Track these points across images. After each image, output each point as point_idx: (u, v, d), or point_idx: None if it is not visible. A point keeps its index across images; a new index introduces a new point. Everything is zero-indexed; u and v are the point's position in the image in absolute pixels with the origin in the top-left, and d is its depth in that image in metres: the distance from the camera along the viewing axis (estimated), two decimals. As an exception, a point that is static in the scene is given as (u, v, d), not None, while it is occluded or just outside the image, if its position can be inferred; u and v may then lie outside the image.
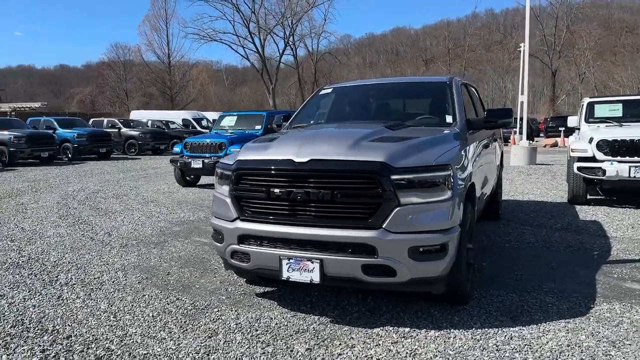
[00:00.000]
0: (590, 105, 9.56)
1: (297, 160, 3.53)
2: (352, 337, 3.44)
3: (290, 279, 3.59)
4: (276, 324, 3.70)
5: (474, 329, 3.53)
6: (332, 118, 5.27)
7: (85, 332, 3.61)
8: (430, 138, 3.96)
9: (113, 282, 4.73)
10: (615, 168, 7.78)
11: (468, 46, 67.78)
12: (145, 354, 3.27)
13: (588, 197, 8.65)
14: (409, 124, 4.51)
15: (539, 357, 3.12)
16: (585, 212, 7.84)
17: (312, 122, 5.10)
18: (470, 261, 4.17)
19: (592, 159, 8.11)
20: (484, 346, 3.27)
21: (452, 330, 3.52)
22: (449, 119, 4.59)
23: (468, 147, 4.35)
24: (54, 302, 4.21)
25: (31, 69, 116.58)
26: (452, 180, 3.53)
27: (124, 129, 24.80)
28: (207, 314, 3.90)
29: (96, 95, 62.25)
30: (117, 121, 25.46)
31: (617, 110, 9.25)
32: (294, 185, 3.51)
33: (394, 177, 3.36)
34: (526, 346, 3.26)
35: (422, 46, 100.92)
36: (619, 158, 7.87)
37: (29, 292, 4.48)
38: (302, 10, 53.70)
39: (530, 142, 28.38)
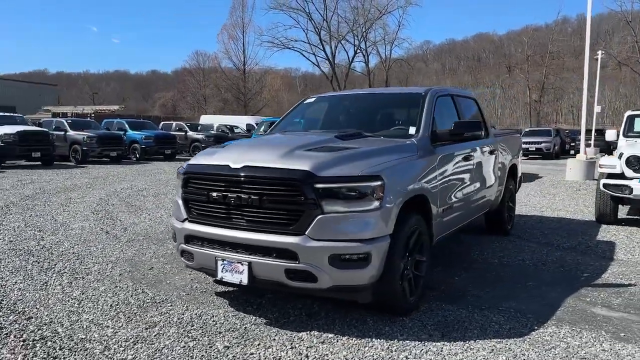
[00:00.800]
0: (631, 118, 8.97)
1: (233, 166, 3.72)
2: (275, 339, 3.57)
3: (223, 280, 3.78)
4: (214, 321, 3.89)
5: (396, 340, 3.54)
6: (310, 126, 5.41)
7: (46, 315, 4.00)
8: (372, 149, 4.01)
9: (98, 272, 5.15)
10: (643, 186, 7.26)
11: (549, 53, 64.30)
12: (82, 338, 3.58)
13: (625, 215, 8.11)
14: (367, 134, 4.55)
15: (442, 373, 3.10)
16: (607, 232, 7.37)
17: (288, 129, 5.26)
18: (421, 273, 4.16)
19: (621, 175, 7.62)
20: (394, 358, 3.28)
21: (373, 339, 3.54)
22: (412, 130, 4.58)
23: (427, 159, 4.33)
24: (38, 288, 4.67)
25: (126, 74, 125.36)
26: (381, 191, 3.56)
27: (190, 133, 26.14)
28: (159, 308, 4.18)
29: (177, 100, 65.84)
30: (184, 125, 26.91)
31: (660, 125, 8.61)
32: (229, 190, 3.70)
33: (317, 185, 3.46)
34: (434, 361, 3.24)
35: (507, 52, 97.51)
36: (649, 176, 7.34)
37: (23, 277, 4.98)
38: (373, 18, 53.78)
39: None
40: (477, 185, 5.56)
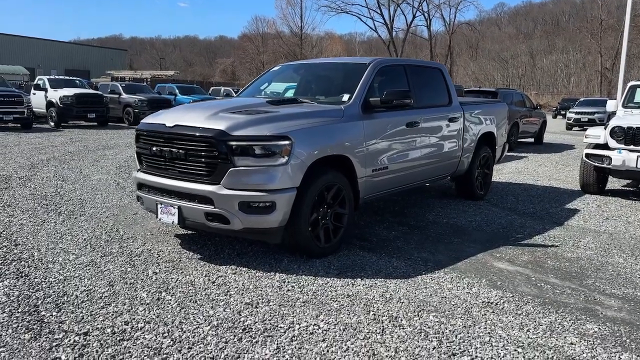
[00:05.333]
0: (632, 89, 8.85)
1: (167, 125, 4.42)
2: (197, 269, 4.30)
3: (161, 220, 4.54)
4: (158, 254, 4.67)
5: (295, 275, 4.17)
6: (268, 91, 6.02)
7: (31, 243, 4.93)
8: (293, 112, 4.57)
9: (90, 214, 6.07)
10: (622, 157, 7.33)
11: (636, 15, 59.83)
12: (49, 260, 4.46)
13: (621, 187, 8.15)
14: (303, 100, 5.10)
15: (306, 294, 3.71)
16: (582, 201, 7.54)
17: (254, 93, 5.92)
18: (342, 224, 4.73)
19: (605, 146, 7.70)
20: (283, 287, 3.92)
21: (277, 273, 4.19)
22: (345, 97, 5.07)
23: (353, 124, 4.83)
24: (36, 224, 5.63)
25: (195, 39, 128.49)
26: (289, 149, 4.15)
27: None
28: (122, 243, 5.01)
29: (237, 66, 67.61)
30: (231, 90, 28.05)
31: (660, 96, 8.47)
32: (164, 145, 4.41)
33: (229, 143, 4.09)
34: (310, 291, 3.84)
35: (589, 15, 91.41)
36: (631, 147, 7.39)
37: (29, 215, 5.99)
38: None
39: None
40: (428, 150, 5.95)
